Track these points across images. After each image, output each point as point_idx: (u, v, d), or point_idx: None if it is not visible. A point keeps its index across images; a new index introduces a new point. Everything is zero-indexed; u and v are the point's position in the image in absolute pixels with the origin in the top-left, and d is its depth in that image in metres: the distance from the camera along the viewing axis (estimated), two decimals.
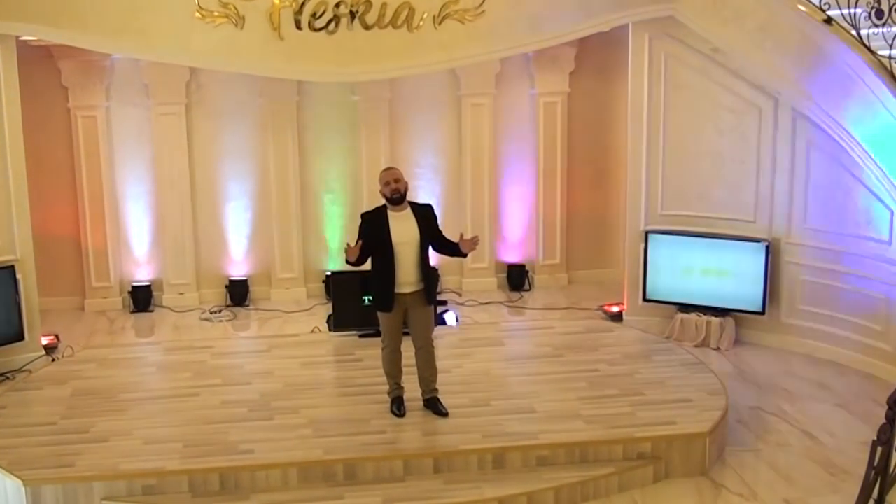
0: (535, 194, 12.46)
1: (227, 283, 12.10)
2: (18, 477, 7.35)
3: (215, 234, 12.14)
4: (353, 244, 7.88)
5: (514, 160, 12.45)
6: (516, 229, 12.59)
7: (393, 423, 8.13)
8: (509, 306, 11.95)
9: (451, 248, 8.16)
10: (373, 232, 7.97)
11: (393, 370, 8.30)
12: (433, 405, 8.27)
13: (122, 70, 11.59)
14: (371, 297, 8.30)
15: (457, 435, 7.91)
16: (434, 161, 12.28)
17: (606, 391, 8.70)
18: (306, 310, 11.84)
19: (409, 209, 8.08)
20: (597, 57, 12.19)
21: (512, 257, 12.63)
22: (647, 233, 10.77)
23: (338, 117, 12.07)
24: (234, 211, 12.11)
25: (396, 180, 7.97)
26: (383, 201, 8.05)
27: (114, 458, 7.61)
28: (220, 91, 11.82)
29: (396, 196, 7.96)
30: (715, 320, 10.49)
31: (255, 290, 12.18)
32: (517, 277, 12.50)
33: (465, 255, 8.20)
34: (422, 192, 12.12)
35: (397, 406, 8.28)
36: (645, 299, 10.88)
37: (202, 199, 12.02)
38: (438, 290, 11.23)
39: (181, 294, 12.03)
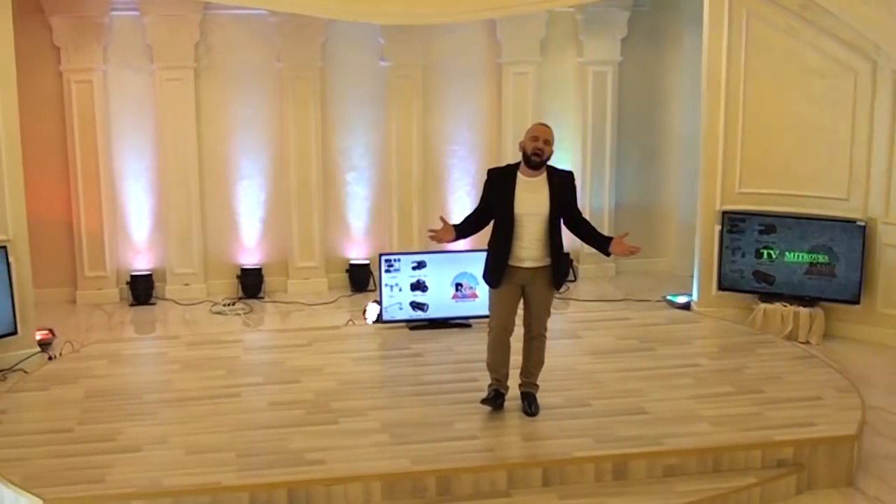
0: (581, 177, 11.22)
1: (239, 272, 10.69)
2: (37, 495, 5.92)
3: (225, 217, 10.72)
4: (447, 219, 6.75)
5: (558, 138, 11.14)
6: None
7: (483, 426, 6.80)
8: (557, 298, 10.66)
9: (591, 236, 6.90)
10: (496, 194, 6.73)
11: (497, 360, 6.90)
12: (527, 400, 6.98)
13: (123, 28, 10.16)
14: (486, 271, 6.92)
15: (564, 440, 6.60)
16: (470, 137, 11.00)
17: (719, 388, 7.47)
18: (330, 302, 10.49)
19: (543, 175, 6.78)
20: (649, 22, 11.07)
21: None
22: (723, 213, 9.59)
23: (365, 86, 10.72)
24: (247, 191, 10.70)
25: (546, 142, 6.72)
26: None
27: (152, 472, 6.20)
28: (234, 54, 10.44)
29: (536, 159, 6.69)
30: (803, 311, 9.32)
31: (269, 280, 10.76)
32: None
33: (607, 254, 6.92)
34: (455, 172, 11.03)
35: (494, 398, 6.91)
36: (721, 288, 9.70)
37: (211, 178, 10.61)
38: None
39: (186, 285, 10.60)
